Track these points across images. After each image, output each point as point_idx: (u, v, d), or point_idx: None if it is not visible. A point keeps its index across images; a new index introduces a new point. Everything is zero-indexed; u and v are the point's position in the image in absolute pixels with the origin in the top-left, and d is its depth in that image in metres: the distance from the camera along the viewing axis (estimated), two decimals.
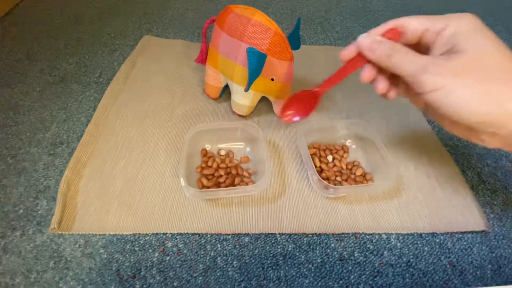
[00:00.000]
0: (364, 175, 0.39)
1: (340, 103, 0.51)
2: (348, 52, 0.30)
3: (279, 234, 0.35)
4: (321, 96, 0.34)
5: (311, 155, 0.41)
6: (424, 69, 0.25)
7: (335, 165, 0.41)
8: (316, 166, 0.40)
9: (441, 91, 0.25)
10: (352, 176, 0.39)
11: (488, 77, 0.24)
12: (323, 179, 0.38)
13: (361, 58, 0.29)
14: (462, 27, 0.26)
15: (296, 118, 0.36)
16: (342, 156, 0.42)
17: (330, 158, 0.42)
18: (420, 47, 0.29)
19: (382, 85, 0.30)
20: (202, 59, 0.49)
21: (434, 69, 0.25)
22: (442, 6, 0.80)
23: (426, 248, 0.35)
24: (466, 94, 0.24)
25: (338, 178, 0.39)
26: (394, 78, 0.30)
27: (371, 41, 0.28)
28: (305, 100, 0.35)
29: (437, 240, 0.35)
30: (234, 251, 0.34)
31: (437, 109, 0.26)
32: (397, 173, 0.35)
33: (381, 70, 0.30)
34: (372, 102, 0.51)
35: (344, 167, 0.41)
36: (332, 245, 0.35)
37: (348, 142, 0.44)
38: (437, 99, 0.25)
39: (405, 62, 0.27)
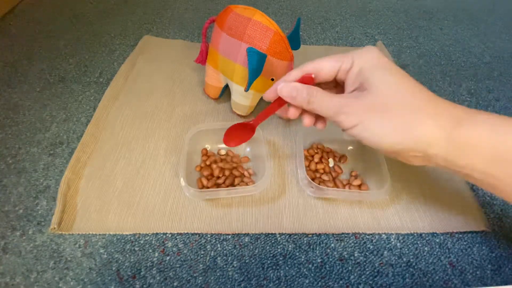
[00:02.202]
0: (360, 186, 0.39)
1: None
2: (272, 94, 0.32)
3: (279, 234, 0.35)
4: (255, 128, 0.38)
5: (313, 155, 0.41)
6: (339, 111, 0.28)
7: (334, 170, 0.41)
8: (307, 166, 0.40)
9: (357, 128, 0.27)
10: (345, 182, 0.39)
11: (394, 111, 0.26)
12: (312, 178, 0.38)
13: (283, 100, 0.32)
14: (365, 65, 0.28)
15: (232, 145, 0.39)
16: (340, 162, 0.42)
17: (331, 162, 0.42)
18: (337, 82, 0.32)
19: (307, 120, 0.32)
20: (202, 59, 0.49)
21: (347, 110, 0.28)
22: (442, 5, 0.80)
23: (426, 248, 0.35)
24: (379, 128, 0.27)
25: (325, 177, 0.39)
26: None
27: (290, 90, 0.30)
28: (242, 130, 0.38)
29: (437, 240, 0.35)
30: (234, 251, 0.34)
31: (360, 141, 0.28)
32: (391, 186, 0.36)
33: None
34: None
35: (340, 172, 0.41)
36: (332, 245, 0.35)
37: (349, 148, 0.44)
38: (357, 134, 0.28)
39: (322, 106, 0.29)
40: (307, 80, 0.31)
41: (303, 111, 0.32)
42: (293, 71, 0.32)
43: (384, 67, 0.28)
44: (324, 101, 0.29)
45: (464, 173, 0.26)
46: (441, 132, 0.25)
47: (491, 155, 0.24)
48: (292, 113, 0.32)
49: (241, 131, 0.38)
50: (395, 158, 0.28)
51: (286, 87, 0.31)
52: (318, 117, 0.32)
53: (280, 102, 0.33)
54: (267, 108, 0.34)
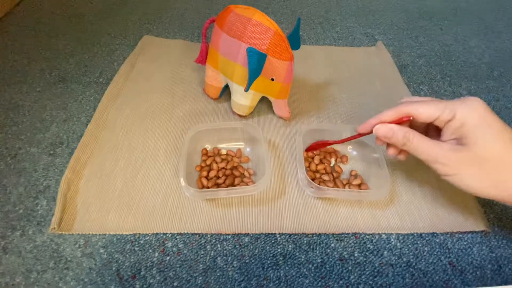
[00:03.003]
0: (360, 185, 0.39)
1: (341, 105, 0.51)
2: (364, 129, 0.35)
3: (279, 234, 0.35)
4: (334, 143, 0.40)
5: (313, 157, 0.41)
6: (435, 160, 0.30)
7: (335, 170, 0.41)
8: (307, 167, 0.40)
9: (452, 177, 0.30)
10: (345, 182, 0.39)
11: (491, 169, 0.28)
12: (312, 179, 0.38)
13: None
14: (469, 121, 0.29)
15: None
16: (342, 162, 0.42)
17: (332, 161, 0.42)
18: (430, 126, 0.34)
19: (392, 151, 0.35)
20: (202, 59, 0.49)
21: (443, 161, 0.29)
22: (442, 5, 0.80)
23: (426, 248, 0.35)
24: (474, 181, 0.29)
25: (325, 177, 0.39)
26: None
27: (386, 131, 0.33)
28: (320, 146, 0.42)
29: (437, 240, 0.35)
30: (234, 251, 0.34)
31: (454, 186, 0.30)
32: (391, 185, 0.36)
33: None
34: (371, 105, 0.51)
35: (340, 171, 0.41)
36: (332, 245, 0.35)
37: (349, 149, 0.44)
38: (451, 181, 0.30)
39: (418, 150, 0.31)
40: (403, 121, 0.32)
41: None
42: (389, 111, 0.33)
43: (487, 124, 0.28)
44: (420, 147, 0.31)
45: None
46: None
47: None
48: (391, 152, 0.35)
49: (320, 146, 0.41)
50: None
51: (383, 128, 0.33)
52: (402, 150, 0.34)
53: (366, 132, 0.35)
54: (351, 137, 0.38)
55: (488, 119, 0.29)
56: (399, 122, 0.32)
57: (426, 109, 0.31)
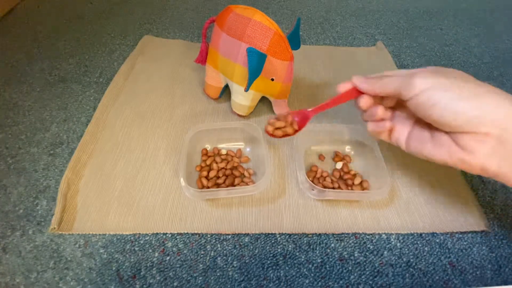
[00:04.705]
0: (361, 184, 0.39)
1: (341, 105, 0.51)
2: (344, 85, 0.33)
3: (279, 234, 0.35)
4: (311, 117, 0.36)
5: (317, 170, 0.41)
6: (412, 75, 0.28)
7: (342, 171, 0.41)
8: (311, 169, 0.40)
9: (428, 91, 0.26)
10: (350, 182, 0.39)
11: (470, 91, 0.25)
12: (312, 180, 0.38)
13: (355, 91, 0.33)
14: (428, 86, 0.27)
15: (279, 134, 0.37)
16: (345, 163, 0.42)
17: (339, 164, 0.41)
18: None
19: (380, 110, 0.32)
20: (202, 59, 0.49)
21: (421, 74, 0.27)
22: (442, 5, 0.80)
23: (426, 248, 0.35)
24: (453, 94, 0.25)
25: (328, 179, 0.39)
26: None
27: (363, 78, 0.32)
28: (298, 118, 0.37)
29: (437, 240, 0.35)
30: (234, 251, 0.34)
31: (424, 113, 0.27)
32: (390, 185, 0.36)
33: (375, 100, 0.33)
34: None
35: (342, 173, 0.41)
36: (332, 245, 0.35)
37: (347, 149, 0.44)
38: (425, 100, 0.26)
39: (394, 78, 0.29)
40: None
41: (374, 103, 0.33)
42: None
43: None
44: (395, 75, 0.30)
45: None
46: None
47: None
48: (363, 100, 0.32)
49: (296, 118, 0.37)
50: (449, 156, 0.27)
51: (360, 76, 0.32)
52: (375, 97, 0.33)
53: (348, 94, 0.33)
54: (333, 99, 0.34)
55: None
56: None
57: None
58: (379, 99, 0.33)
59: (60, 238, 0.34)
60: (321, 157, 0.42)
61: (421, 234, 0.36)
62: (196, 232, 0.35)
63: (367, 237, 0.35)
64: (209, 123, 0.46)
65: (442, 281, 0.32)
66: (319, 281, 0.32)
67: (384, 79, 0.30)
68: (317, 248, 0.34)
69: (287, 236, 0.35)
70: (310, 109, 0.36)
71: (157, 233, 0.35)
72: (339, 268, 0.33)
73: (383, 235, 0.36)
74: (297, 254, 0.34)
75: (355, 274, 0.33)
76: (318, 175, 0.40)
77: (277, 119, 0.37)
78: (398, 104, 0.33)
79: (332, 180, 0.39)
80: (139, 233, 0.35)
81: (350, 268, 0.33)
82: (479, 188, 0.40)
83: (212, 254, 0.34)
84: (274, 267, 0.33)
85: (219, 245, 0.34)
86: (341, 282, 0.32)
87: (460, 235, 0.36)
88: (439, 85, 0.26)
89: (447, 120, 0.26)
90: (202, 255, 0.34)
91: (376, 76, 0.32)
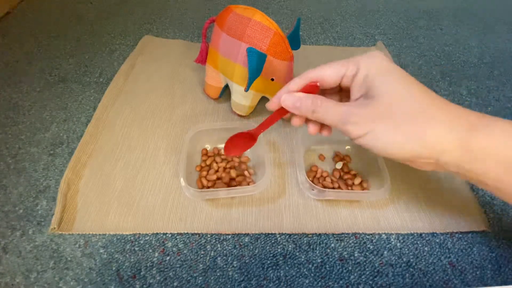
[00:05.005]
0: (361, 184, 0.39)
1: None
2: (274, 104, 0.32)
3: (279, 234, 0.35)
4: (257, 137, 0.37)
5: (317, 170, 0.41)
6: (346, 120, 0.27)
7: (343, 171, 0.41)
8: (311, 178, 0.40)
9: (366, 137, 0.26)
10: (350, 182, 0.39)
11: (404, 119, 0.25)
12: (312, 179, 0.38)
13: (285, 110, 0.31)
14: (371, 71, 0.27)
15: (233, 154, 0.39)
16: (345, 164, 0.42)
17: (339, 164, 0.41)
18: (342, 89, 0.32)
19: (312, 128, 0.32)
20: (202, 59, 0.49)
21: (355, 119, 0.27)
22: (442, 5, 0.80)
23: (426, 248, 0.35)
24: (389, 137, 0.26)
25: (328, 179, 0.39)
26: None
27: (293, 101, 0.30)
28: (243, 139, 0.37)
29: (437, 240, 0.35)
30: (234, 251, 0.34)
31: (370, 150, 0.27)
32: (390, 185, 0.36)
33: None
34: None
35: (342, 173, 0.41)
36: (332, 245, 0.35)
37: (347, 149, 0.43)
38: (365, 143, 0.27)
39: (328, 116, 0.28)
40: (311, 88, 0.30)
41: (308, 119, 0.32)
42: (295, 79, 0.31)
43: (390, 72, 0.27)
44: (329, 111, 0.28)
45: (476, 179, 0.26)
46: (454, 139, 0.24)
47: (506, 163, 0.24)
48: (296, 122, 0.31)
49: (242, 140, 0.37)
50: (405, 163, 0.28)
51: (290, 97, 0.30)
52: (323, 125, 0.32)
53: (282, 111, 0.32)
54: (269, 117, 0.34)
55: (389, 65, 0.27)
56: (308, 91, 0.30)
57: (331, 68, 0.29)
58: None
59: (60, 238, 0.34)
60: (321, 157, 0.43)
61: (421, 234, 0.36)
62: (196, 232, 0.35)
63: (367, 237, 0.35)
64: (209, 123, 0.46)
65: (442, 281, 0.32)
66: (319, 281, 0.32)
67: (318, 113, 0.29)
68: (317, 248, 0.34)
69: (287, 236, 0.35)
70: (252, 130, 0.36)
71: (157, 233, 0.35)
72: (339, 268, 0.33)
73: (383, 235, 0.36)
74: (297, 254, 0.34)
75: (355, 274, 0.33)
76: (318, 175, 0.40)
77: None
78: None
79: (332, 180, 0.39)
80: (139, 233, 0.35)
81: (350, 268, 0.33)
82: (479, 188, 0.40)
83: (212, 254, 0.34)
84: (274, 267, 0.33)
85: (219, 245, 0.34)
86: (341, 282, 0.32)
87: (460, 235, 0.36)
88: (373, 125, 0.26)
89: (391, 157, 0.27)
90: (202, 255, 0.34)
91: (306, 97, 0.29)
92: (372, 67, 0.27)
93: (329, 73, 0.29)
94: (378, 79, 0.27)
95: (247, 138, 0.37)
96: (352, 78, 0.29)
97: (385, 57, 0.28)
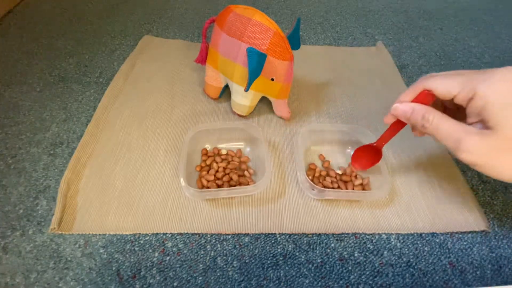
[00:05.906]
0: (361, 184, 0.39)
1: (341, 105, 0.51)
2: (388, 119, 0.33)
3: (279, 234, 0.35)
4: (381, 150, 0.37)
5: (315, 168, 0.41)
6: (459, 147, 0.26)
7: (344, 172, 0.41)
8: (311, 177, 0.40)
9: (481, 167, 0.26)
10: (350, 183, 0.39)
11: None
12: (312, 179, 0.38)
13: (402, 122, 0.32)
14: (491, 98, 0.25)
15: (361, 168, 0.40)
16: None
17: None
18: (461, 108, 0.29)
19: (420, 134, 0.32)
20: (202, 59, 0.49)
21: (469, 148, 0.26)
22: (442, 5, 0.80)
23: (426, 248, 0.35)
24: (504, 168, 0.25)
25: (328, 179, 0.39)
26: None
27: (404, 111, 0.30)
28: (369, 152, 0.38)
29: (437, 240, 0.35)
30: (234, 251, 0.34)
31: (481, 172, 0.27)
32: (390, 185, 0.36)
33: None
34: (371, 105, 0.51)
35: (341, 173, 0.41)
36: (332, 245, 0.35)
37: (347, 149, 0.43)
38: (480, 170, 0.27)
39: (438, 134, 0.28)
40: (425, 96, 0.29)
41: None
42: (409, 88, 0.30)
43: (510, 103, 0.25)
44: (441, 132, 0.27)
45: None
46: None
47: None
48: (416, 134, 0.32)
49: (368, 153, 0.38)
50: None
51: (401, 106, 0.30)
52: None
53: (398, 125, 0.33)
54: (388, 130, 0.35)
55: (509, 93, 0.25)
56: (422, 99, 0.29)
57: (444, 82, 0.27)
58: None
59: (60, 238, 0.34)
60: (321, 157, 0.43)
61: (421, 234, 0.36)
62: (196, 232, 0.35)
63: (367, 237, 0.35)
64: (209, 123, 0.46)
65: (442, 281, 0.32)
66: (319, 281, 0.32)
67: (428, 129, 0.28)
68: (317, 248, 0.34)
69: (287, 236, 0.35)
70: (375, 144, 0.37)
71: (157, 233, 0.35)
72: (339, 268, 0.33)
73: (383, 235, 0.36)
74: (297, 254, 0.34)
75: (355, 274, 0.33)
76: (317, 174, 0.40)
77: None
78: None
79: (332, 180, 0.39)
80: (139, 233, 0.35)
81: (350, 268, 0.33)
82: (479, 188, 0.40)
83: (212, 254, 0.34)
84: (274, 267, 0.33)
85: (219, 245, 0.34)
86: (341, 282, 0.32)
87: (460, 235, 0.36)
88: (493, 157, 0.25)
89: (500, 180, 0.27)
90: (202, 255, 0.34)
91: (418, 108, 0.29)
92: (491, 96, 0.25)
93: (441, 89, 0.28)
94: (499, 113, 0.25)
95: (373, 151, 0.38)
96: (467, 101, 0.27)
97: (505, 81, 0.25)
